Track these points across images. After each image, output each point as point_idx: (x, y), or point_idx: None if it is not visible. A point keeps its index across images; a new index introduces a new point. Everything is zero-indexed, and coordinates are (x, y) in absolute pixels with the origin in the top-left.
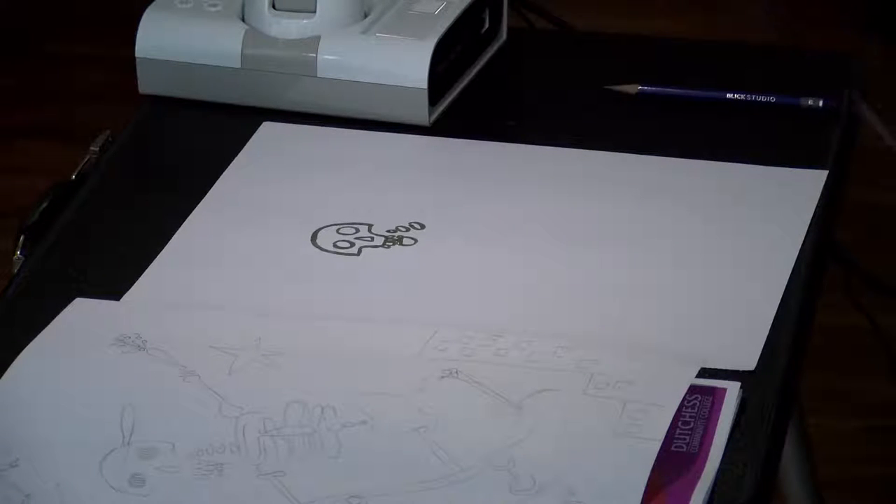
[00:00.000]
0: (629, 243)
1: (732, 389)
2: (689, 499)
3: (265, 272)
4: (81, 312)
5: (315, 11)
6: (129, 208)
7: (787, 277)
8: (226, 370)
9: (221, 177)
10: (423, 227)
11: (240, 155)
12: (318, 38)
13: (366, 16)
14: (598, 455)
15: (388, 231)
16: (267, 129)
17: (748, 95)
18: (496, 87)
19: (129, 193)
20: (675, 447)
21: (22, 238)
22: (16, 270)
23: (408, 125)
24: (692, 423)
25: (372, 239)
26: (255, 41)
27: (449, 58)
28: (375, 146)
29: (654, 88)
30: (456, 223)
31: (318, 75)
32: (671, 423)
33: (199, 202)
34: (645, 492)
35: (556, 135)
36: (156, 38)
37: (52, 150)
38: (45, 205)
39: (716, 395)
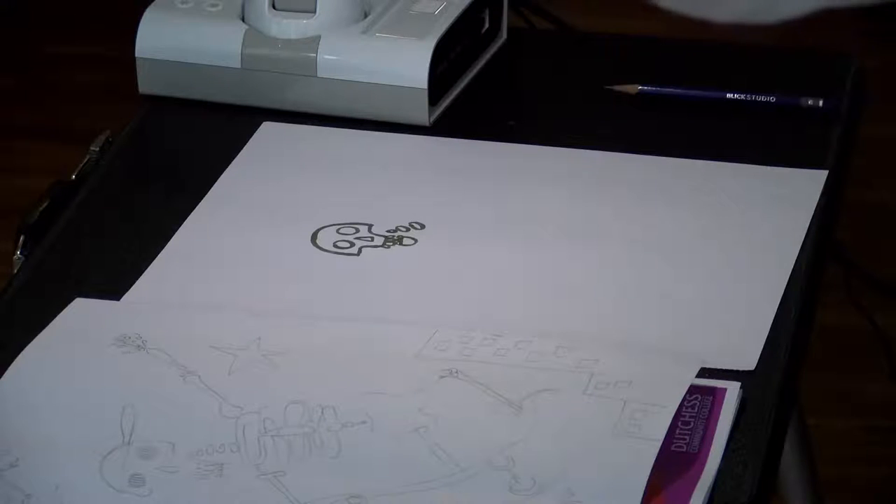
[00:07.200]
0: (629, 243)
1: (732, 389)
2: (689, 499)
3: (265, 272)
4: (81, 312)
5: (315, 11)
6: (130, 208)
7: (787, 277)
8: (226, 370)
9: (221, 177)
10: (423, 227)
11: (240, 155)
12: (318, 38)
13: (366, 16)
14: (598, 455)
15: (388, 231)
16: (267, 129)
17: (748, 95)
18: (496, 87)
19: (129, 193)
20: (675, 447)
21: (22, 238)
22: (16, 270)
23: (408, 125)
24: (692, 423)
25: (372, 239)
26: (255, 41)
27: (449, 58)
28: (375, 146)
29: (654, 88)
30: (456, 223)
31: (318, 75)
32: (671, 423)
33: (199, 202)
34: (645, 492)
35: (556, 135)
36: (156, 38)
37: (52, 150)
38: (45, 205)
39: (716, 395)
